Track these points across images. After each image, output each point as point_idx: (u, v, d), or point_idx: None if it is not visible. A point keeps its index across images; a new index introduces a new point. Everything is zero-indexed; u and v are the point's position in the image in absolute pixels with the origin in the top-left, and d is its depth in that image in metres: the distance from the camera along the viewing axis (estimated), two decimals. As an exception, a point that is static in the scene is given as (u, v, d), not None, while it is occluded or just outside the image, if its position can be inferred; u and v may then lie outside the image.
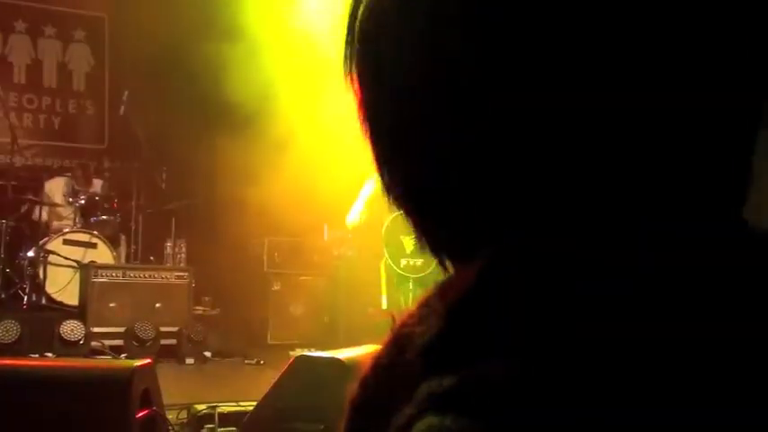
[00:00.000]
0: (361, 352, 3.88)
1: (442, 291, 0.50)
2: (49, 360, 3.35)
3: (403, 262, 5.51)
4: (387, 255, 5.59)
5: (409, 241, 5.40)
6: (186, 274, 7.21)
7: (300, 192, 8.67)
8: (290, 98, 9.09)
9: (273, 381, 4.22)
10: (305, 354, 3.69)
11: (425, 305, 0.50)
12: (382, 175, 0.54)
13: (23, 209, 7.81)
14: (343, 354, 3.72)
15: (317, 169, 8.57)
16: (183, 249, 7.71)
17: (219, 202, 8.28)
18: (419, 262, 5.46)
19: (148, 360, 3.16)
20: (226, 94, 8.98)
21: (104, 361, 3.44)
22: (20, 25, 9.13)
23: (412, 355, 0.47)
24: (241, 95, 9.15)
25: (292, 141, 8.71)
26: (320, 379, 3.57)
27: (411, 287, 5.53)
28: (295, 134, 8.83)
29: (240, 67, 9.10)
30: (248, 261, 8.27)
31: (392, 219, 5.52)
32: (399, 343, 0.49)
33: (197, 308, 7.64)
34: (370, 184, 5.73)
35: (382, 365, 0.50)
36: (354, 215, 5.74)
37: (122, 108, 7.93)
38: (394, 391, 0.46)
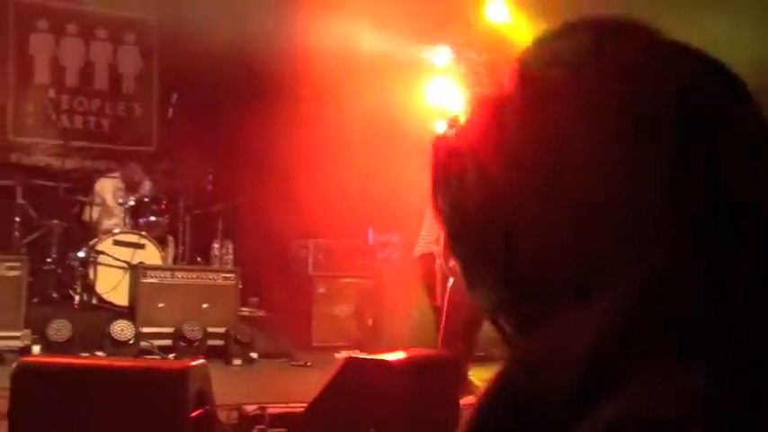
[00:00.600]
0: (407, 355, 3.89)
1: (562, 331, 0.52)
2: (107, 360, 3.40)
3: (452, 262, 5.59)
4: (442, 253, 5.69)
5: None
6: (233, 275, 7.28)
7: (346, 194, 8.72)
8: (339, 101, 9.15)
9: (321, 383, 4.26)
10: (354, 356, 3.69)
11: (546, 343, 0.51)
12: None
13: (74, 210, 7.94)
14: (391, 357, 3.73)
15: (363, 173, 8.61)
16: (230, 251, 7.78)
17: (265, 203, 8.33)
18: None
19: (202, 360, 3.20)
20: (273, 95, 9.07)
21: (161, 361, 3.48)
22: (72, 28, 9.29)
23: (557, 387, 0.48)
24: (290, 97, 9.23)
25: (339, 144, 8.76)
26: (369, 381, 3.58)
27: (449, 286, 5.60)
28: (342, 138, 8.88)
29: (286, 70, 9.18)
30: (293, 263, 8.32)
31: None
32: (524, 377, 0.50)
33: (243, 309, 7.70)
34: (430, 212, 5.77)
35: (508, 398, 0.51)
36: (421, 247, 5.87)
37: (171, 111, 8.04)
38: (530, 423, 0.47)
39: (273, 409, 4.30)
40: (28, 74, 9.04)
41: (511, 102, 0.61)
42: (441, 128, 9.38)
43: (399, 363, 3.68)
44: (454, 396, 4.12)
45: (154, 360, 3.52)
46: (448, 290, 5.65)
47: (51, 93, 8.91)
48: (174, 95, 8.05)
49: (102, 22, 9.41)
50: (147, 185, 8.28)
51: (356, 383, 3.58)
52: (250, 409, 4.27)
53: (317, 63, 9.56)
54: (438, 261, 5.80)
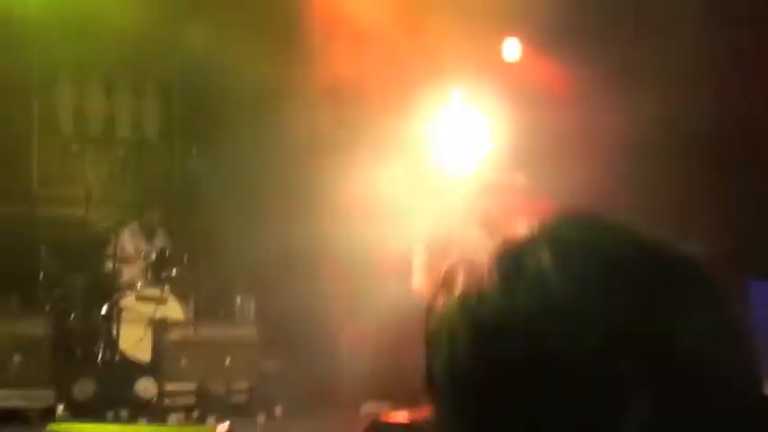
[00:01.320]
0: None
1: None
2: (134, 427, 3.38)
3: None
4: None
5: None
6: (254, 329, 7.26)
7: (369, 243, 8.68)
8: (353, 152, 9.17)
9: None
10: (376, 420, 3.64)
11: None
12: None
13: (97, 263, 7.97)
14: (412, 417, 3.68)
15: (383, 221, 8.58)
16: (252, 304, 7.76)
17: (286, 255, 8.33)
18: None
19: (227, 424, 3.16)
20: (295, 146, 9.12)
21: (191, 429, 3.46)
22: (95, 80, 9.42)
23: None
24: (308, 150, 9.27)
25: (354, 195, 8.74)
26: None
27: None
28: (356, 187, 8.88)
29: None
30: (315, 314, 8.27)
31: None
32: None
33: (266, 362, 7.65)
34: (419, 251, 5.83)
35: None
36: (418, 283, 5.73)
37: (191, 164, 8.10)
38: None
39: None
40: (52, 125, 9.15)
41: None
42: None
43: (420, 424, 3.62)
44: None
45: (180, 428, 3.50)
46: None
47: (75, 144, 9.08)
48: (194, 150, 8.11)
49: (124, 73, 9.53)
50: (161, 234, 8.32)
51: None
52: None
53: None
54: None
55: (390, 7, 8.57)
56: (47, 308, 7.27)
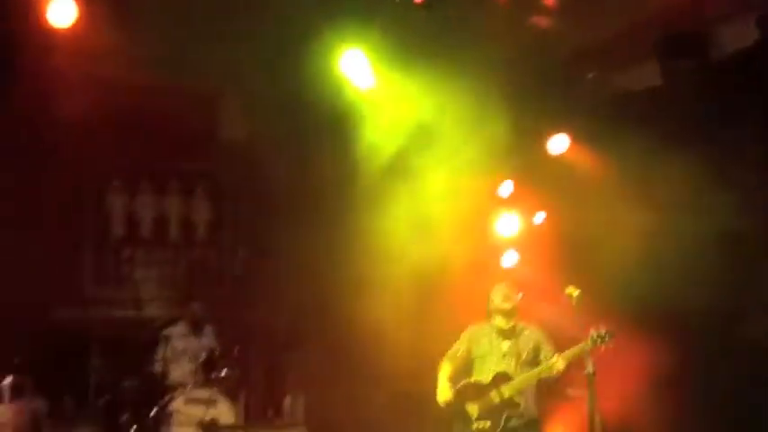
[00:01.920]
0: None
1: None
2: None
3: (473, 426, 5.71)
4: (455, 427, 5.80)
5: (474, 407, 5.71)
6: (302, 428, 7.19)
7: (416, 336, 8.61)
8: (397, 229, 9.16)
9: None
10: None
11: None
12: None
13: (148, 365, 8.02)
14: None
15: (429, 315, 8.52)
16: (301, 402, 7.70)
17: (334, 350, 8.30)
18: (487, 424, 5.68)
19: None
20: (340, 239, 9.16)
21: None
22: (145, 184, 9.67)
23: None
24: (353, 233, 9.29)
25: (403, 287, 8.72)
26: None
27: None
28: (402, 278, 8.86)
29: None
30: (367, 412, 8.18)
31: (456, 391, 5.80)
32: None
33: (315, 463, 7.55)
34: (444, 361, 6.00)
35: None
36: (443, 395, 5.85)
37: (238, 265, 8.18)
38: None
39: None
40: (104, 228, 9.38)
41: None
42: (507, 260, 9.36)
43: None
44: None
45: None
46: None
47: (127, 247, 9.29)
48: (240, 251, 8.20)
49: (173, 175, 9.77)
50: (208, 330, 8.36)
51: None
52: None
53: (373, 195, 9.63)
54: None
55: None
56: (98, 411, 7.31)
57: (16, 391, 5.18)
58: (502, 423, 5.65)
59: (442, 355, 8.09)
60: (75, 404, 7.50)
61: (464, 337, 6.04)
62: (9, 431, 4.77)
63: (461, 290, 8.80)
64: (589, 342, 5.38)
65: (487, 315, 6.04)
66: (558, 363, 5.55)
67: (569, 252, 8.32)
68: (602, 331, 5.39)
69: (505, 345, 5.84)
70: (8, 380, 4.98)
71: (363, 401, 8.27)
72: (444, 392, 5.79)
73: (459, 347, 6.01)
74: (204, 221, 9.90)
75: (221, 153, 9.57)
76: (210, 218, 9.90)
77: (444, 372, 5.92)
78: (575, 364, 5.54)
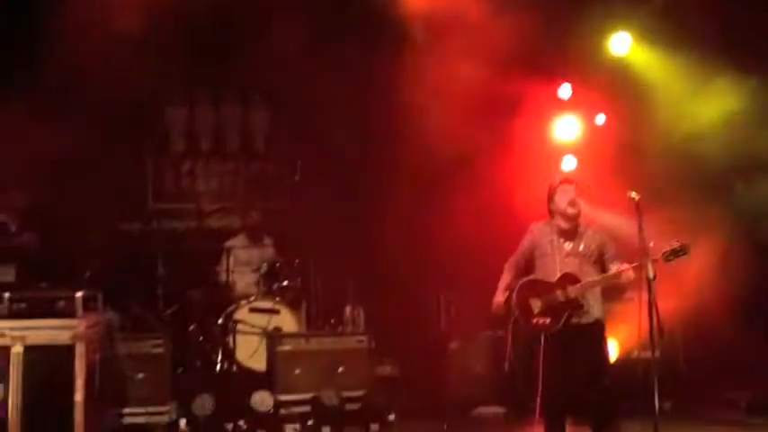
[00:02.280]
0: None
1: None
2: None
3: (533, 321, 5.75)
4: (518, 316, 5.84)
5: (537, 302, 5.74)
6: (365, 337, 7.32)
7: (473, 247, 8.64)
8: (463, 148, 9.10)
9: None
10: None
11: None
12: None
13: (212, 275, 8.22)
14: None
15: (487, 223, 8.52)
16: (362, 312, 7.83)
17: (394, 260, 8.37)
18: (548, 320, 5.71)
19: None
20: (394, 150, 9.13)
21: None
22: (203, 96, 9.71)
23: None
24: (409, 150, 9.25)
25: (462, 198, 8.71)
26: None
27: (542, 342, 5.68)
28: (465, 186, 8.84)
29: (405, 122, 9.20)
30: (425, 319, 8.31)
31: (519, 286, 5.87)
32: None
33: (378, 369, 7.72)
34: (506, 269, 6.03)
35: None
36: (498, 298, 5.98)
37: (297, 175, 8.22)
38: None
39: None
40: (164, 143, 9.49)
41: None
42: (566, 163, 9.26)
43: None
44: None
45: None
46: (542, 346, 5.62)
47: (187, 159, 9.42)
48: (299, 162, 8.22)
49: (231, 86, 9.78)
50: (268, 241, 8.52)
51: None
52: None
53: (439, 107, 9.56)
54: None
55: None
56: (166, 322, 7.56)
57: (88, 305, 5.34)
58: (563, 320, 5.67)
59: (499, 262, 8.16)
60: (145, 316, 7.74)
61: (526, 238, 6.02)
62: (83, 343, 4.95)
63: (519, 195, 8.78)
64: (662, 256, 5.34)
65: (550, 214, 5.98)
66: (630, 273, 5.52)
67: (629, 156, 8.17)
68: (677, 246, 5.36)
69: (569, 245, 5.82)
70: (80, 294, 5.14)
71: (423, 310, 8.39)
72: (498, 296, 5.91)
73: (520, 251, 6.01)
74: (263, 132, 9.94)
75: (278, 63, 9.49)
76: (269, 129, 9.93)
77: (503, 279, 5.98)
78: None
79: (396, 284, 8.56)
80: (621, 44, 8.92)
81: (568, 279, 5.71)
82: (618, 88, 9.05)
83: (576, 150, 9.38)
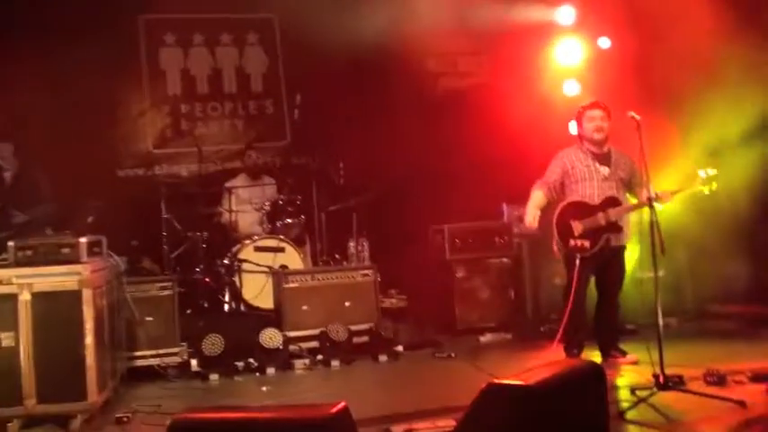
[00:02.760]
0: (549, 374, 3.80)
1: None
2: (254, 412, 3.50)
3: (572, 242, 6.02)
4: (557, 235, 6.11)
5: (578, 225, 6.00)
6: (371, 271, 7.35)
7: (476, 174, 8.62)
8: (457, 79, 9.03)
9: (465, 378, 4.25)
10: (493, 382, 3.63)
11: None
12: None
13: (215, 217, 8.24)
14: (532, 379, 3.65)
15: (489, 149, 8.48)
16: (366, 245, 7.86)
17: (397, 193, 8.37)
18: (586, 243, 5.98)
19: (342, 405, 3.23)
20: (395, 81, 9.04)
21: (300, 409, 3.56)
22: (198, 38, 9.59)
23: None
24: (412, 81, 9.16)
25: (461, 124, 8.65)
26: (511, 408, 3.52)
27: (578, 263, 5.98)
28: (463, 116, 8.77)
29: (407, 52, 9.09)
30: (430, 250, 8.33)
31: (562, 206, 6.13)
32: None
33: (384, 300, 7.79)
34: (538, 188, 6.26)
35: None
36: (530, 218, 6.25)
37: (296, 111, 8.17)
38: None
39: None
40: (161, 87, 9.41)
41: None
42: (568, 88, 9.15)
43: (540, 385, 3.59)
44: (601, 409, 4.01)
45: (298, 408, 3.62)
46: (576, 267, 5.91)
47: (184, 103, 9.34)
48: (298, 96, 8.16)
49: (225, 27, 9.65)
50: (269, 180, 8.52)
51: (497, 411, 3.53)
52: (398, 430, 4.35)
53: (438, 39, 9.45)
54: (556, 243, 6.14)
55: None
56: (173, 264, 7.61)
57: (93, 249, 5.36)
58: (601, 242, 5.92)
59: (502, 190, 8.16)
60: (151, 259, 7.80)
61: (555, 164, 6.22)
62: (90, 288, 4.99)
63: (528, 123, 8.72)
64: (698, 182, 5.50)
65: (579, 138, 6.22)
66: (668, 198, 5.66)
67: (633, 79, 8.07)
68: (711, 172, 5.50)
69: (605, 169, 6.03)
70: (84, 239, 5.15)
71: (427, 241, 8.40)
72: (531, 216, 6.17)
73: (551, 175, 6.21)
74: (259, 71, 9.83)
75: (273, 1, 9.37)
76: (265, 67, 9.82)
77: (534, 199, 6.23)
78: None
79: (399, 216, 8.58)
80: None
81: (610, 202, 5.95)
82: (622, 10, 8.89)
83: (578, 75, 9.26)
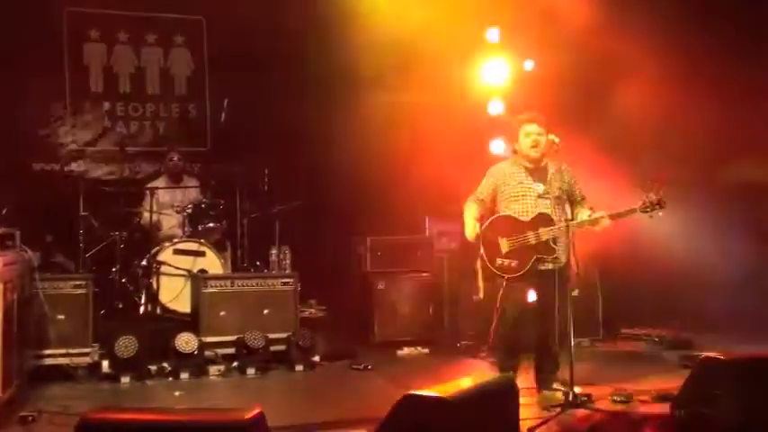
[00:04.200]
0: (466, 386, 3.86)
1: None
2: (166, 413, 3.46)
3: (498, 261, 5.63)
4: (483, 253, 5.69)
5: (505, 243, 5.61)
6: (292, 279, 7.32)
7: (400, 188, 8.69)
8: (384, 94, 9.11)
9: (381, 391, 4.29)
10: (412, 393, 3.67)
11: None
12: None
13: (135, 217, 8.07)
14: (448, 391, 3.70)
15: (414, 165, 8.57)
16: (288, 254, 7.82)
17: (321, 204, 8.36)
18: (513, 263, 5.59)
19: (257, 411, 3.22)
20: (322, 91, 9.06)
21: (218, 413, 3.53)
22: (122, 36, 9.39)
23: None
24: (340, 92, 9.19)
25: (388, 138, 8.72)
26: (427, 419, 3.56)
27: (504, 284, 5.66)
28: (390, 129, 8.84)
29: (336, 63, 9.14)
30: (352, 261, 8.36)
31: (491, 220, 5.75)
32: None
33: (304, 310, 7.76)
34: (472, 201, 5.89)
35: None
36: (470, 230, 5.76)
37: (223, 115, 8.10)
38: None
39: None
40: (83, 83, 9.18)
41: None
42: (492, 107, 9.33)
43: (456, 398, 3.66)
44: (513, 423, 4.10)
45: (213, 412, 3.58)
46: (502, 287, 5.65)
47: (106, 101, 9.14)
48: (226, 101, 8.08)
49: (151, 27, 9.48)
50: (193, 183, 8.41)
51: (413, 422, 3.57)
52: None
53: (368, 51, 9.51)
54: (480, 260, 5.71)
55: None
56: (89, 263, 7.42)
57: (6, 242, 5.20)
58: (529, 265, 5.53)
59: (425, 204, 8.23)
60: (66, 257, 7.59)
61: (488, 179, 5.85)
62: (1, 282, 4.82)
63: (452, 140, 8.85)
64: (639, 207, 5.27)
65: (514, 152, 5.88)
66: (606, 220, 5.43)
67: (559, 100, 8.27)
68: (655, 198, 5.25)
69: (539, 186, 5.65)
70: (-3, 232, 4.99)
71: (349, 252, 8.43)
72: (472, 229, 5.67)
73: (483, 190, 5.84)
74: (184, 74, 9.69)
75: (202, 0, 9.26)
76: (191, 70, 9.68)
77: (471, 211, 5.77)
78: None
79: (322, 226, 8.59)
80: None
81: (542, 220, 5.56)
82: (547, 32, 9.12)
83: (503, 95, 9.45)
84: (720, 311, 7.86)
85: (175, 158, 8.47)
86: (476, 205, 5.82)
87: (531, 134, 5.70)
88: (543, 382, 5.73)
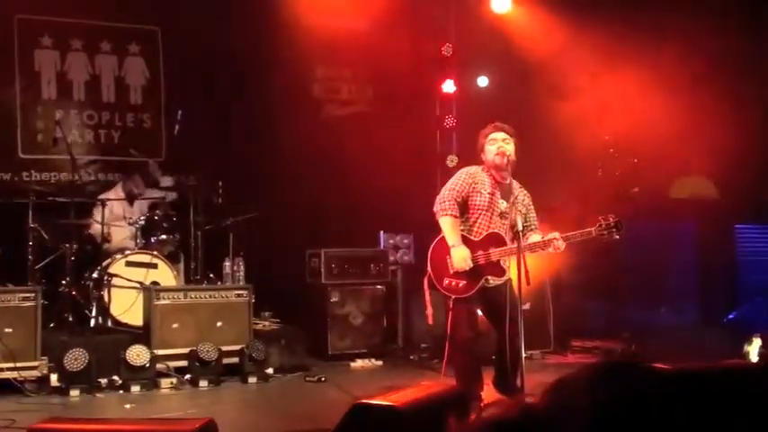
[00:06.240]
0: (415, 396, 3.90)
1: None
2: (117, 423, 3.43)
3: (445, 281, 5.43)
4: (431, 272, 5.51)
5: (452, 262, 5.35)
6: (245, 291, 7.29)
7: (354, 201, 8.74)
8: (338, 107, 9.18)
9: (334, 402, 4.30)
10: (362, 402, 3.69)
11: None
12: None
13: (86, 229, 7.97)
14: (398, 400, 3.73)
15: (369, 178, 8.63)
16: (242, 266, 7.79)
17: (275, 216, 8.35)
18: (461, 283, 5.39)
19: (207, 419, 3.21)
20: (277, 104, 9.08)
21: (164, 423, 3.51)
22: (76, 43, 9.28)
23: None
24: (295, 104, 9.22)
25: (342, 152, 8.77)
26: (376, 428, 3.59)
27: (451, 305, 5.44)
28: (344, 144, 8.89)
29: (292, 75, 9.17)
30: (306, 273, 8.35)
31: (441, 237, 5.48)
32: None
33: (257, 322, 7.74)
34: (447, 213, 5.46)
35: None
36: (459, 262, 5.38)
37: (177, 127, 8.05)
38: None
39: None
40: (35, 90, 9.05)
41: None
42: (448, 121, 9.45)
43: (406, 407, 3.69)
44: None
45: (162, 422, 3.55)
46: (451, 306, 5.44)
47: (59, 108, 9.01)
48: (180, 111, 8.04)
49: (105, 35, 9.39)
50: (145, 193, 8.33)
51: (362, 430, 3.59)
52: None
53: (322, 65, 9.58)
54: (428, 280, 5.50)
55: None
56: (38, 275, 7.31)
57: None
58: (479, 284, 5.36)
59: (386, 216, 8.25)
60: (15, 268, 7.45)
61: (464, 179, 5.48)
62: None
63: (406, 153, 8.92)
64: (595, 230, 5.14)
65: (481, 162, 5.59)
66: (561, 243, 5.23)
67: (508, 115, 8.40)
68: (612, 222, 5.14)
69: (503, 204, 5.42)
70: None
71: (303, 264, 8.42)
72: (462, 260, 5.30)
73: (461, 189, 5.45)
74: (139, 83, 9.60)
75: (158, 10, 9.21)
76: (146, 80, 9.60)
77: (453, 227, 5.38)
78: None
79: (276, 238, 8.57)
80: (501, 3, 9.10)
81: (493, 240, 5.36)
82: (499, 48, 9.27)
83: (457, 108, 9.61)
84: (669, 323, 8.02)
85: (138, 180, 8.30)
86: (451, 219, 5.39)
87: (496, 140, 5.47)
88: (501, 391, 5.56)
